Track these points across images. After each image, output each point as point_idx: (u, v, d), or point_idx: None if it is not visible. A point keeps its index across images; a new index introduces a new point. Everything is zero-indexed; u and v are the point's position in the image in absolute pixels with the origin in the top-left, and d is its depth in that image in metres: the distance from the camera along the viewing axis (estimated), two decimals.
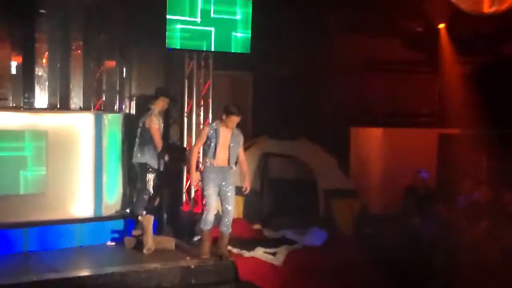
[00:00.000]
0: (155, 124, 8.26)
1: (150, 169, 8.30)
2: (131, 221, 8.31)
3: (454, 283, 8.02)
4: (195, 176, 7.59)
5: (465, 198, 9.00)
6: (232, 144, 7.55)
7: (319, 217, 9.65)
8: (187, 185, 9.21)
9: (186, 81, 9.44)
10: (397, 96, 11.17)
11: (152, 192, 8.33)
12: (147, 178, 8.30)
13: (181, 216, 8.96)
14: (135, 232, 8.01)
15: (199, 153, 7.86)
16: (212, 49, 9.07)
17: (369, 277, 7.98)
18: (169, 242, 8.05)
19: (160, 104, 8.52)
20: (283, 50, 10.58)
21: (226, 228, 7.57)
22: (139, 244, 7.89)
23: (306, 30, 10.71)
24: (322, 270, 7.87)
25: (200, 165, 7.85)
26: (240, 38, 9.16)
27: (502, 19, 10.02)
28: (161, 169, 8.36)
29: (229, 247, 7.83)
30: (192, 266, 7.40)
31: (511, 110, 10.27)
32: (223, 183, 7.55)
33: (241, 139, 7.68)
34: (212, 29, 8.96)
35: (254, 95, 11.39)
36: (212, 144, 7.48)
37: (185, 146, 9.33)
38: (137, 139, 8.39)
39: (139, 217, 8.01)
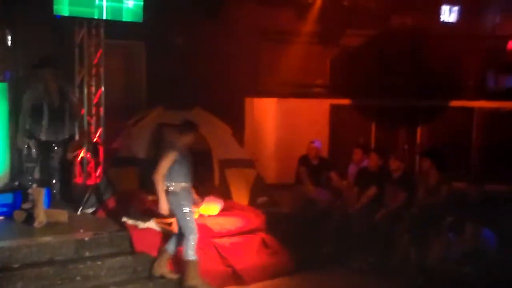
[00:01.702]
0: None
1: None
2: (20, 194, 7.99)
3: (347, 246, 8.42)
4: (166, 205, 7.05)
5: (355, 166, 9.37)
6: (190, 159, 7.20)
7: (214, 186, 9.70)
8: (80, 157, 8.97)
9: (77, 50, 9.12)
10: (291, 67, 11.35)
11: (34, 159, 7.93)
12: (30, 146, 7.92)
13: (74, 188, 8.72)
14: (25, 205, 7.72)
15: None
16: (104, 17, 8.79)
17: (264, 242, 8.19)
18: (62, 215, 7.81)
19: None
20: (176, 19, 10.45)
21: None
22: (30, 218, 7.61)
23: None
24: (218, 238, 7.95)
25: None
26: (132, 6, 8.94)
27: None
28: (43, 138, 8.08)
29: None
30: (86, 239, 7.23)
31: (397, 81, 10.79)
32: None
33: None
34: None
35: (147, 64, 11.20)
36: (184, 166, 7.02)
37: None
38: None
39: (29, 190, 7.72)
